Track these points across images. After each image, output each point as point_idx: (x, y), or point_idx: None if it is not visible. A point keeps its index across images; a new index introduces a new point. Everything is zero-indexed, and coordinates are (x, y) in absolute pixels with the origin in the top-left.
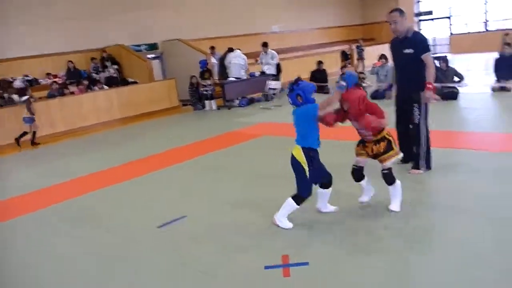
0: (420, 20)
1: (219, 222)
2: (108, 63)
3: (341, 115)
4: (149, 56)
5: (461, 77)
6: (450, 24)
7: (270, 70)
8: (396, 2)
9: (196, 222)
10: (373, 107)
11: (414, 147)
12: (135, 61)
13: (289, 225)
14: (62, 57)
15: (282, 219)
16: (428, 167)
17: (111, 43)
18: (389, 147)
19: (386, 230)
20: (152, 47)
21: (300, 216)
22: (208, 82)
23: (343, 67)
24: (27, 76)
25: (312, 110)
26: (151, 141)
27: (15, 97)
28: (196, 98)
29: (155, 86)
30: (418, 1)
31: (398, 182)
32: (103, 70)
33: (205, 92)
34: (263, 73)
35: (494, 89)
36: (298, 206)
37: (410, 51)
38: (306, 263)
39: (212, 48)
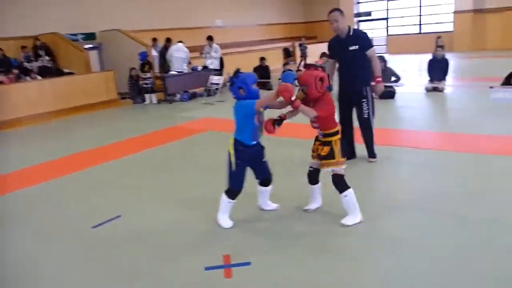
0: (359, 21)
1: (158, 221)
2: (41, 52)
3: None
4: (86, 46)
5: (398, 77)
6: (387, 26)
7: (214, 64)
8: (337, 3)
9: (133, 221)
10: (326, 96)
11: (366, 139)
12: (71, 51)
13: (228, 224)
14: None
15: (221, 217)
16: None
17: (45, 31)
18: (330, 155)
19: (330, 229)
20: (90, 37)
21: (242, 215)
22: (148, 75)
23: (285, 64)
24: None
25: (247, 108)
26: (87, 136)
27: None
28: (135, 91)
29: (92, 77)
30: (358, 2)
31: (349, 192)
32: (35, 59)
33: (145, 86)
34: (205, 67)
35: (427, 89)
36: (232, 201)
37: (356, 47)
38: (248, 263)
39: (154, 40)
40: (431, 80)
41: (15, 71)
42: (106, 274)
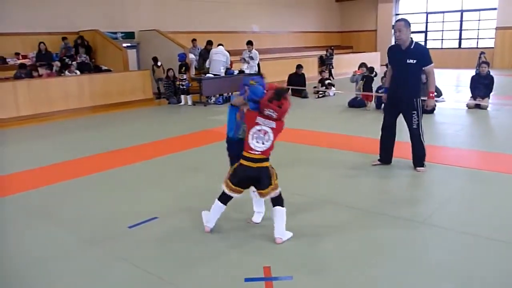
0: None
1: (193, 225)
2: (81, 50)
3: None
4: (125, 45)
5: (439, 92)
6: (426, 39)
7: (251, 69)
8: (375, 14)
9: (168, 224)
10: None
11: (416, 149)
12: (110, 48)
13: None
14: (33, 37)
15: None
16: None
17: (86, 28)
18: None
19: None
20: (129, 35)
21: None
22: (185, 76)
23: (321, 72)
24: None
25: None
26: (122, 133)
27: None
28: (171, 92)
29: (129, 76)
30: (397, 14)
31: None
32: (75, 55)
33: (181, 87)
34: (242, 71)
35: (469, 106)
36: None
37: (413, 61)
38: (290, 277)
39: (194, 40)
40: (474, 97)
41: (57, 63)
42: (139, 276)
